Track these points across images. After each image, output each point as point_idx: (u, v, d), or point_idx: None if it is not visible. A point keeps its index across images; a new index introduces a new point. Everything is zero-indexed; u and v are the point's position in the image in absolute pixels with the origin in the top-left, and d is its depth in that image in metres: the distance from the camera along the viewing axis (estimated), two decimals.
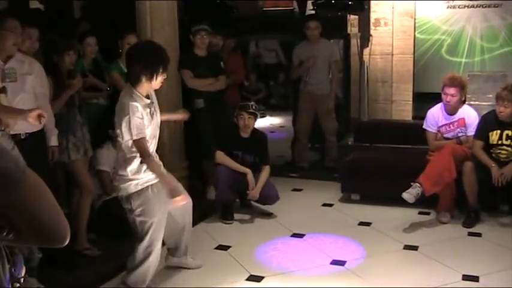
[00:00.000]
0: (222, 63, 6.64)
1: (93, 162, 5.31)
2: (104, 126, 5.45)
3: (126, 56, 4.17)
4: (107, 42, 6.25)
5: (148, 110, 4.01)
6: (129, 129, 3.91)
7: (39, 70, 4.49)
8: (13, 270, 1.58)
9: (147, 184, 4.07)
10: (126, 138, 3.96)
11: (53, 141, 4.60)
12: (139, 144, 3.95)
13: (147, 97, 4.05)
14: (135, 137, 3.92)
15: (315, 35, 7.38)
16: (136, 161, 4.03)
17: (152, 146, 4.14)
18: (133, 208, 4.09)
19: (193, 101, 6.46)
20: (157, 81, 4.01)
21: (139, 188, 4.06)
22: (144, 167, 4.03)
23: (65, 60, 4.83)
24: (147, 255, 4.16)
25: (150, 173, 4.05)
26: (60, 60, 4.83)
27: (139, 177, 4.05)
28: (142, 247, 4.14)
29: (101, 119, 5.56)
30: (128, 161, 4.04)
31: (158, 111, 4.17)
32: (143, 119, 3.94)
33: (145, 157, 3.99)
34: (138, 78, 3.97)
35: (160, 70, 3.98)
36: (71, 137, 4.83)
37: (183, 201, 4.29)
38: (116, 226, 5.30)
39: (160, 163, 4.21)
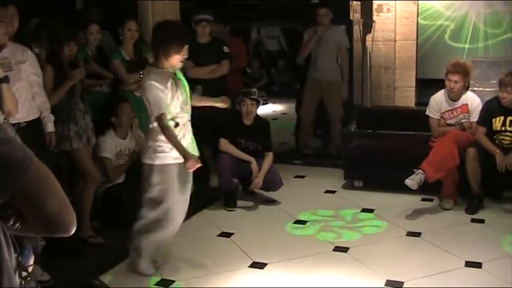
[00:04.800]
0: (225, 47, 6.61)
1: (96, 150, 5.31)
2: (107, 113, 5.46)
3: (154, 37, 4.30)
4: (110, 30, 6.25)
5: (170, 81, 4.12)
6: (150, 107, 4.12)
7: (32, 58, 4.50)
8: (20, 259, 1.58)
9: (170, 162, 4.19)
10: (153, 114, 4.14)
11: (50, 127, 4.60)
12: (158, 121, 4.10)
13: (172, 74, 4.18)
14: (155, 114, 4.10)
15: (324, 21, 7.34)
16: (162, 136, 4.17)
17: (183, 119, 4.27)
18: (152, 182, 4.22)
19: (192, 88, 6.45)
20: (175, 59, 4.11)
21: (164, 162, 4.19)
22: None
23: (64, 51, 4.82)
24: (155, 228, 4.32)
25: (176, 152, 4.16)
26: (60, 50, 4.82)
27: (164, 151, 4.18)
28: (150, 216, 4.30)
29: (103, 106, 5.56)
30: (157, 134, 4.19)
31: (186, 85, 4.30)
32: (165, 94, 4.08)
33: (163, 130, 4.12)
34: (157, 57, 4.13)
35: (173, 48, 4.07)
36: (73, 126, 4.83)
37: (195, 167, 4.29)
38: (118, 213, 5.32)
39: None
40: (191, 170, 4.29)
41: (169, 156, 4.19)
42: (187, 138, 4.32)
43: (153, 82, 4.06)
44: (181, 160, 4.19)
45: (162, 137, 4.16)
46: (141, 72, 5.91)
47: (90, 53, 5.78)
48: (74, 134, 4.83)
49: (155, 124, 4.17)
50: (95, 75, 5.70)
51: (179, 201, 4.35)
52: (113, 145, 5.43)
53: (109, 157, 5.40)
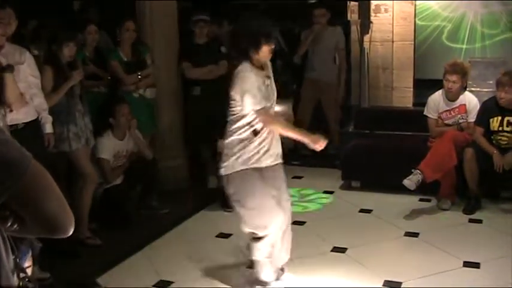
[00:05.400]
0: (222, 47, 6.62)
1: (94, 151, 5.31)
2: (105, 114, 5.46)
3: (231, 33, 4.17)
4: (108, 31, 6.25)
5: (262, 80, 3.93)
6: (247, 98, 3.83)
7: (30, 59, 4.48)
8: (17, 260, 1.58)
9: (246, 167, 3.96)
10: (246, 110, 3.88)
11: (48, 128, 4.59)
12: (259, 115, 3.87)
13: (262, 68, 4.00)
14: (254, 108, 3.84)
15: (321, 22, 7.34)
16: (238, 138, 3.97)
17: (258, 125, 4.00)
18: (230, 192, 4.05)
19: (191, 88, 6.47)
20: (264, 52, 3.91)
21: (237, 169, 3.96)
22: (248, 147, 3.94)
23: (64, 52, 4.81)
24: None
25: (254, 155, 3.94)
26: (59, 51, 4.81)
27: (241, 157, 3.96)
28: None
29: (101, 107, 5.56)
30: (233, 137, 4.00)
31: (273, 83, 4.07)
32: (259, 91, 3.87)
33: (267, 124, 3.91)
34: (246, 52, 3.91)
35: (263, 40, 3.87)
36: (72, 127, 4.82)
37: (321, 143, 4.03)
38: (116, 215, 5.32)
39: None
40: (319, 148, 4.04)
41: (237, 163, 3.97)
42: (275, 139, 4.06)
43: (251, 74, 3.87)
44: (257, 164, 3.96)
45: (236, 143, 3.97)
46: (139, 73, 5.95)
47: (88, 53, 5.78)
48: (73, 135, 4.83)
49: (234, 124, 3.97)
50: (93, 76, 5.71)
51: (267, 200, 4.00)
52: (110, 146, 5.43)
53: (107, 158, 5.39)
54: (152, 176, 5.69)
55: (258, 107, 3.84)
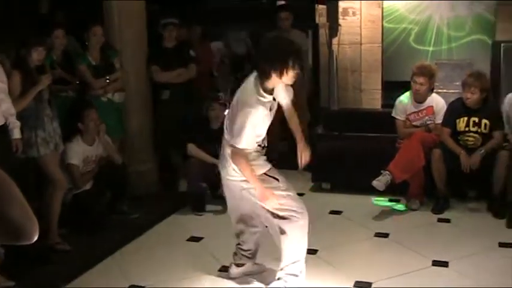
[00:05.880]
0: (191, 51, 6.61)
1: (63, 156, 5.26)
2: (73, 119, 5.41)
3: (257, 51, 4.04)
4: (76, 35, 6.19)
5: (269, 107, 3.81)
6: (238, 135, 3.74)
7: None
8: None
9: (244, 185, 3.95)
10: (232, 141, 3.82)
11: (16, 133, 4.52)
12: (237, 152, 3.80)
13: (271, 92, 3.84)
14: (239, 146, 3.76)
15: (286, 25, 7.36)
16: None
17: (262, 140, 3.95)
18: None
19: (160, 92, 6.45)
20: (289, 76, 3.74)
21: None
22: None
23: (32, 56, 4.76)
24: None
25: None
26: (28, 55, 4.75)
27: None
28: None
29: (69, 112, 5.51)
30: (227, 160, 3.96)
31: (276, 105, 3.97)
32: (261, 125, 3.79)
33: (236, 161, 3.85)
34: (268, 74, 3.72)
35: (290, 64, 3.69)
36: (40, 132, 4.77)
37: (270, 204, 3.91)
38: (86, 220, 5.28)
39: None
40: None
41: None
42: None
43: (260, 111, 3.73)
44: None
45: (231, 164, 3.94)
46: (107, 77, 5.91)
47: (55, 57, 5.73)
48: (41, 140, 4.77)
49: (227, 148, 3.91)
50: (61, 80, 5.65)
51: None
52: (79, 151, 5.38)
53: (76, 164, 5.34)
54: (122, 181, 5.66)
55: (241, 147, 3.77)
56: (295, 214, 3.94)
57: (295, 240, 3.98)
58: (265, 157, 4.02)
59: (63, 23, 6.26)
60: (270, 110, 3.85)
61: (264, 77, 3.74)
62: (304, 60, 7.43)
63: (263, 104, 3.76)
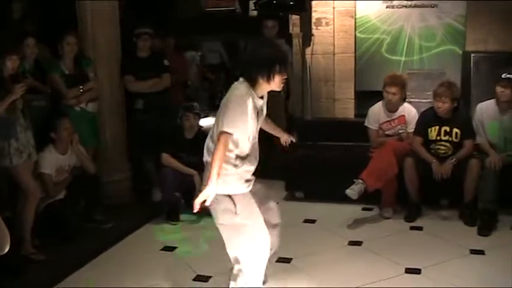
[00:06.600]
0: (165, 61, 6.61)
1: (36, 165, 5.21)
2: (45, 128, 5.38)
3: (242, 57, 3.90)
4: (49, 43, 6.15)
5: (256, 112, 3.68)
6: (227, 118, 3.53)
7: None
8: None
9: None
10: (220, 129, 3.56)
11: None
12: (223, 137, 3.52)
13: (261, 98, 3.74)
14: (225, 129, 3.51)
15: (272, 34, 7.37)
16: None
17: (249, 148, 3.74)
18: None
19: (134, 101, 6.44)
20: (276, 81, 3.65)
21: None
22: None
23: (6, 65, 4.71)
24: None
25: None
26: (1, 64, 4.70)
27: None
28: None
29: (42, 121, 5.47)
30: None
31: (264, 113, 3.85)
32: (247, 118, 3.59)
33: (217, 151, 3.54)
34: (255, 79, 3.63)
35: (277, 69, 3.62)
36: (13, 142, 4.71)
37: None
38: (60, 229, 5.25)
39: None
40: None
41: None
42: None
43: (249, 99, 3.57)
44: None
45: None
46: (81, 87, 5.88)
47: (27, 66, 5.68)
48: (14, 150, 4.71)
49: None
50: (32, 89, 5.60)
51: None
52: (52, 161, 5.35)
53: (49, 173, 5.31)
54: (95, 190, 5.63)
55: (227, 129, 3.52)
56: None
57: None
58: (247, 182, 3.78)
59: (34, 32, 6.22)
60: (258, 117, 3.72)
61: (251, 83, 3.66)
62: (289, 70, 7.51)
63: (254, 97, 3.63)
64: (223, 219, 3.78)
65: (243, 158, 3.70)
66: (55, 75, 5.80)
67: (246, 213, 3.70)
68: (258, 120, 3.72)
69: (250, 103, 3.58)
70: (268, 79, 3.63)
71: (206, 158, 3.76)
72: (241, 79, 3.70)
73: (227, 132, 3.52)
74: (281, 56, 3.73)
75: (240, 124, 3.56)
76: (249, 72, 3.66)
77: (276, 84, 3.67)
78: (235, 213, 3.69)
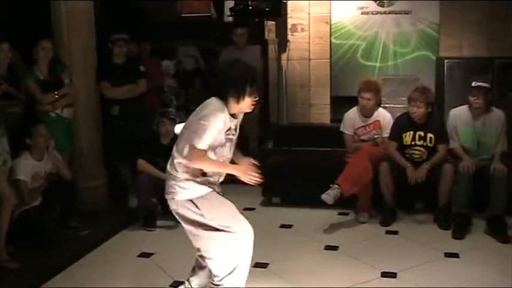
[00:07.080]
0: (141, 67, 6.60)
1: (11, 172, 5.17)
2: (21, 135, 5.33)
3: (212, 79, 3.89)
4: (23, 48, 6.08)
5: (228, 131, 3.69)
6: (199, 136, 3.55)
7: None
8: None
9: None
10: (192, 143, 3.58)
11: None
12: (196, 152, 3.57)
13: (234, 117, 3.73)
14: (199, 146, 3.55)
15: (241, 41, 7.40)
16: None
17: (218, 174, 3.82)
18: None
19: (110, 107, 6.41)
20: (246, 103, 3.68)
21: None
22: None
23: None
24: None
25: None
26: None
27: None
28: None
29: (17, 127, 5.42)
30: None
31: (237, 134, 3.86)
32: (220, 137, 3.63)
33: (196, 162, 3.62)
34: (226, 99, 3.64)
35: (247, 91, 3.64)
36: None
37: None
38: (35, 236, 5.20)
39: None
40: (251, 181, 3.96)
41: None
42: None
43: (223, 116, 3.59)
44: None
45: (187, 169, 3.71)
46: (56, 93, 5.84)
47: (1, 72, 5.62)
48: None
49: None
50: (7, 95, 5.55)
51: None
52: (28, 167, 5.30)
53: (24, 179, 5.26)
54: (71, 196, 5.59)
55: (201, 147, 3.57)
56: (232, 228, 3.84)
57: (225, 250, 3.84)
58: (209, 184, 3.81)
59: (8, 36, 6.15)
60: (229, 139, 3.73)
61: (223, 102, 3.66)
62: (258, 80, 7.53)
63: (226, 115, 3.64)
64: (196, 230, 3.84)
65: (207, 175, 3.75)
66: (29, 81, 5.74)
67: (214, 213, 3.75)
68: (230, 141, 3.75)
69: (223, 116, 3.61)
70: (238, 100, 3.66)
71: (169, 168, 3.83)
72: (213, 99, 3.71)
73: (200, 149, 3.57)
74: (251, 77, 3.73)
75: (212, 141, 3.61)
76: (220, 93, 3.68)
77: (246, 105, 3.71)
78: (202, 215, 3.73)
